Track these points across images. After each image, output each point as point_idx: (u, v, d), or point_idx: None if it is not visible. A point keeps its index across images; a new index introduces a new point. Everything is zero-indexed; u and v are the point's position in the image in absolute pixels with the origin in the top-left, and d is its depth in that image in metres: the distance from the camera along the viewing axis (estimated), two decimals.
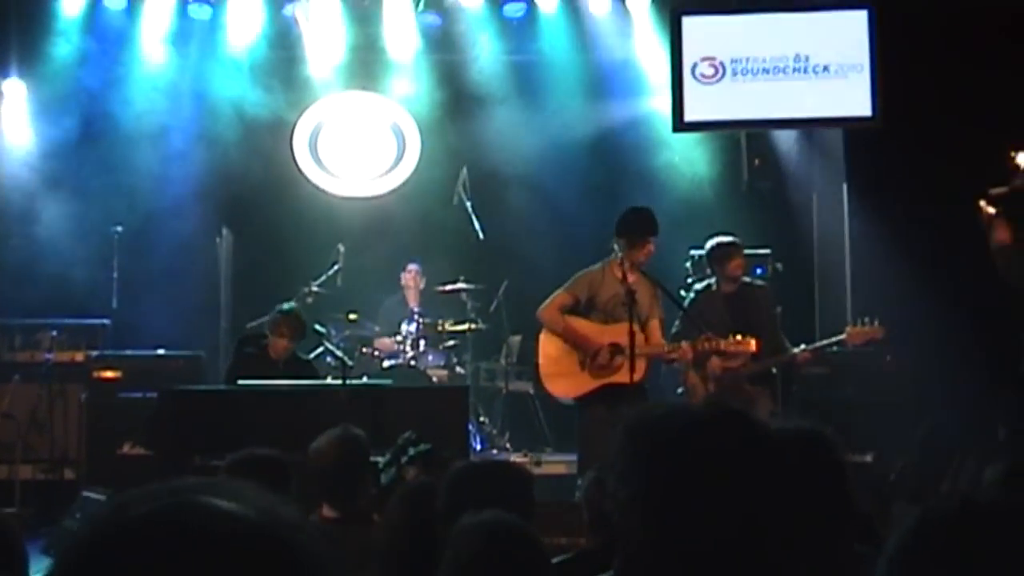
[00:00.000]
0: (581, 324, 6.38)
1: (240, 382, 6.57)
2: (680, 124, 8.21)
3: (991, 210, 6.10)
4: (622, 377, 6.29)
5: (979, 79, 7.62)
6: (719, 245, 7.05)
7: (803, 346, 6.97)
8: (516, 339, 9.21)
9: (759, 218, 8.97)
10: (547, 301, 6.49)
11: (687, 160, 9.58)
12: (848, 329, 6.93)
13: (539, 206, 9.43)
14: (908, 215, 8.01)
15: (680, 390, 6.95)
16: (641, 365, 6.26)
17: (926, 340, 7.64)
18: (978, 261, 7.04)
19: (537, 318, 6.53)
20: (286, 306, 7.09)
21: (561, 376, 6.49)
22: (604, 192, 9.25)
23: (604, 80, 9.69)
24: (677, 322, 6.93)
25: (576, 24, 9.58)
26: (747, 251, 8.17)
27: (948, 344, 7.51)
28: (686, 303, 6.97)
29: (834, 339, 7.01)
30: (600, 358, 6.39)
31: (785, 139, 9.03)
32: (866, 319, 6.98)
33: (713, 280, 7.09)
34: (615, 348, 6.35)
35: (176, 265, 8.90)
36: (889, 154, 8.21)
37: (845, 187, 8.74)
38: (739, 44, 8.15)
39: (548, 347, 6.50)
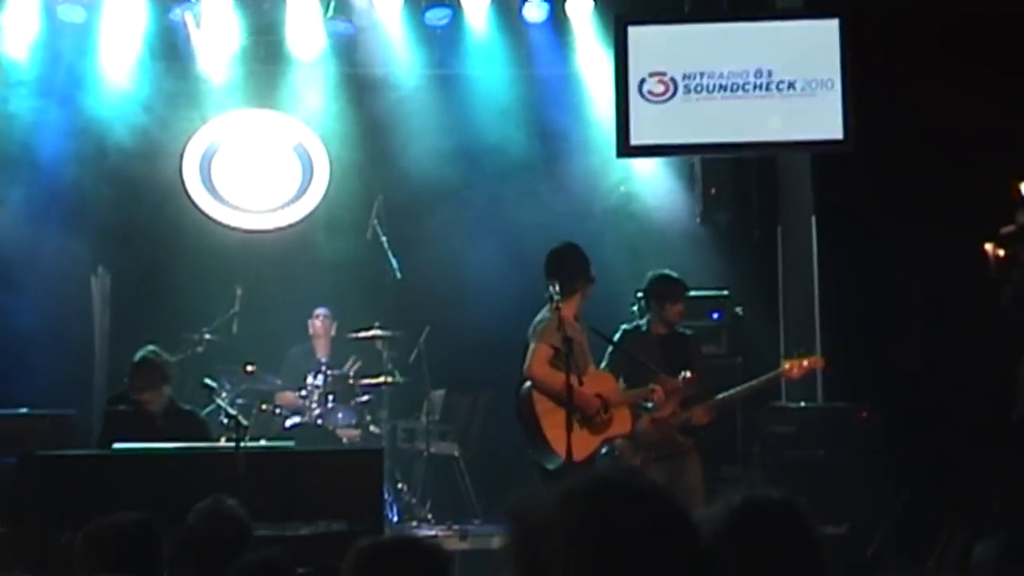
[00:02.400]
0: (571, 379, 6.43)
1: (116, 445, 6.42)
2: (625, 148, 8.27)
3: (1001, 252, 6.17)
4: (620, 428, 6.60)
5: (961, 97, 7.78)
6: (665, 279, 7.11)
7: (735, 390, 7.02)
8: (439, 394, 9.21)
9: (716, 255, 9.11)
10: (532, 358, 6.50)
11: (633, 189, 9.66)
12: (784, 364, 7.03)
13: (466, 241, 9.48)
14: (884, 249, 8.16)
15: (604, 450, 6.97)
16: (630, 413, 6.62)
17: (907, 389, 7.75)
18: (964, 299, 7.34)
19: (529, 378, 6.54)
20: (139, 353, 6.94)
21: (571, 440, 6.41)
22: (540, 225, 9.20)
23: (540, 98, 9.79)
24: (603, 365, 6.97)
25: (508, 34, 9.65)
26: (702, 293, 8.36)
27: (932, 392, 7.62)
28: (616, 340, 7.09)
29: (768, 375, 7.08)
30: (598, 415, 6.53)
31: (744, 165, 9.13)
32: (802, 349, 7.16)
33: (644, 321, 7.15)
34: (604, 400, 6.56)
35: (43, 310, 8.77)
36: (862, 181, 8.34)
37: (813, 219, 8.83)
38: (692, 58, 8.23)
39: (542, 407, 6.52)
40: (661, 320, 7.07)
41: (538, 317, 6.67)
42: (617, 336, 7.15)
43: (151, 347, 7.00)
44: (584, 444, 6.46)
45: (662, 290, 7.12)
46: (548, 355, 6.47)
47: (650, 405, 6.85)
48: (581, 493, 1.88)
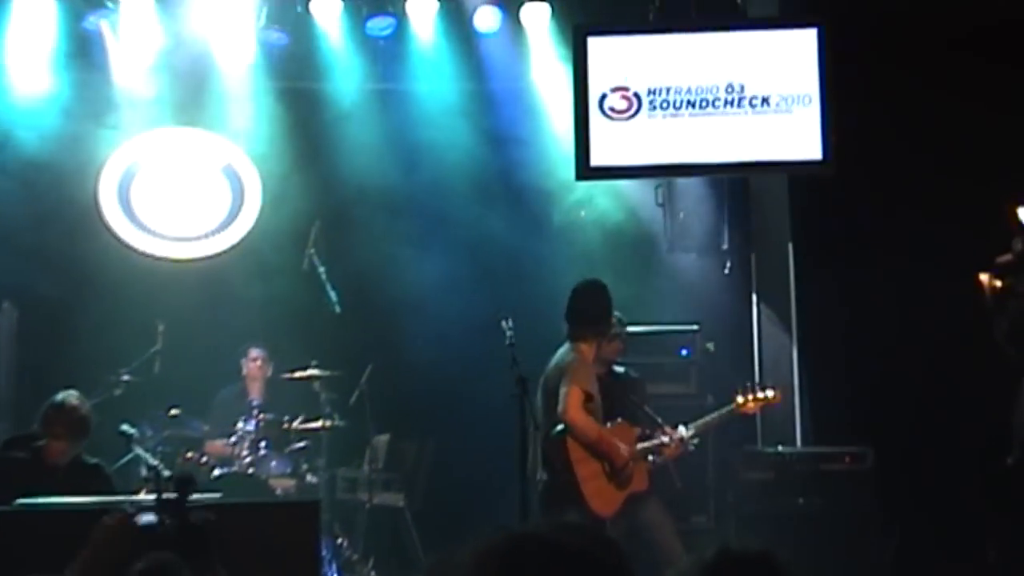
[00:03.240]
0: (605, 429, 6.62)
1: (20, 501, 6.24)
2: (585, 170, 8.27)
3: (997, 283, 6.21)
4: (639, 484, 6.74)
5: (950, 114, 7.90)
6: (627, 324, 7.25)
7: (689, 425, 7.04)
8: (383, 439, 9.12)
9: (684, 286, 9.12)
10: (567, 401, 6.54)
11: (594, 215, 9.65)
12: (737, 399, 7.11)
13: (412, 272, 9.46)
14: (868, 278, 8.24)
15: None
16: (645, 468, 6.80)
17: (895, 432, 7.79)
18: (956, 333, 7.44)
19: (566, 422, 6.57)
20: (60, 396, 6.71)
21: (600, 494, 6.64)
22: (494, 253, 9.36)
23: (494, 115, 9.80)
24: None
25: (458, 45, 9.65)
26: (670, 327, 8.44)
27: (922, 436, 7.68)
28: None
29: (720, 412, 7.16)
30: (627, 468, 6.66)
31: (715, 188, 9.10)
32: (758, 383, 7.28)
33: None
34: (633, 454, 6.74)
35: None
36: (843, 205, 8.42)
37: (790, 246, 8.88)
38: (658, 71, 8.25)
39: (576, 455, 6.57)
40: (598, 359, 7.06)
41: (561, 357, 6.71)
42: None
43: (74, 392, 6.80)
44: (612, 499, 6.62)
45: (622, 327, 7.22)
46: (582, 399, 6.55)
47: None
48: (494, 554, 1.98)
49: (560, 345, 6.87)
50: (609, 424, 6.77)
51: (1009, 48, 8.08)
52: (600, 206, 9.67)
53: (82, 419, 6.66)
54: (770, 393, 7.18)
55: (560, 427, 6.59)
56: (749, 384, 7.28)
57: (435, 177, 9.63)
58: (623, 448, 6.67)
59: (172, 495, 4.10)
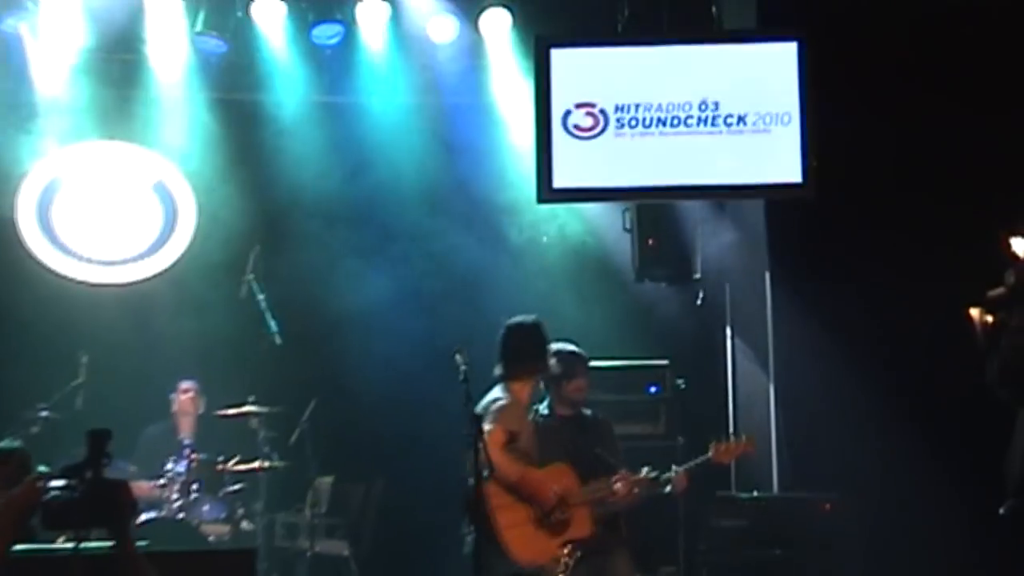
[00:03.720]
0: (531, 471, 6.57)
1: None
2: (547, 192, 8.26)
3: (988, 319, 6.23)
4: (580, 531, 6.63)
5: (939, 135, 8.00)
6: (560, 355, 7.11)
7: (675, 468, 6.98)
8: (326, 481, 9.05)
9: (654, 318, 9.14)
10: (486, 440, 6.33)
11: (557, 238, 9.67)
12: (712, 446, 7.04)
13: (360, 298, 9.43)
14: (851, 311, 8.25)
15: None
16: (590, 514, 6.69)
17: (878, 477, 7.81)
18: (944, 371, 7.51)
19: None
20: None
21: (526, 541, 6.54)
22: (449, 280, 9.36)
23: (449, 131, 9.79)
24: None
25: (411, 55, 9.63)
26: (637, 363, 8.46)
27: (908, 481, 7.68)
28: None
29: (700, 458, 7.09)
30: (556, 513, 6.61)
31: (687, 213, 9.10)
32: (732, 434, 7.32)
33: (546, 404, 7.15)
34: (563, 497, 6.64)
35: None
36: (824, 231, 8.45)
37: (767, 275, 8.91)
38: (626, 86, 8.26)
39: (497, 500, 6.49)
40: (562, 400, 7.08)
41: (490, 396, 6.69)
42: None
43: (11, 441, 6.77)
44: (543, 547, 6.51)
45: (568, 364, 7.14)
46: (504, 440, 6.49)
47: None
48: None
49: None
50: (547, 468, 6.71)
51: (1003, 63, 8.17)
52: (563, 229, 9.71)
53: (26, 458, 6.46)
54: (743, 439, 7.13)
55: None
56: (723, 436, 7.19)
57: (386, 197, 9.61)
58: (553, 490, 6.58)
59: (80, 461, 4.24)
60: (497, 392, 6.68)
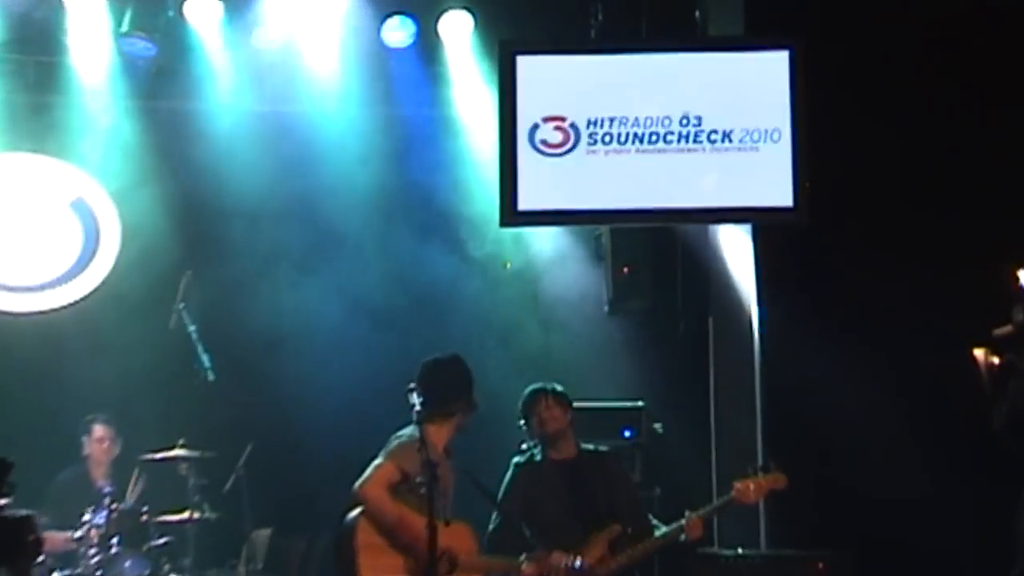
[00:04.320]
0: (416, 518, 6.46)
1: None
2: (511, 215, 8.22)
3: (995, 360, 6.23)
4: None
5: (942, 155, 8.08)
6: (527, 393, 7.32)
7: (688, 513, 6.94)
8: (263, 534, 9.00)
9: (629, 354, 9.17)
10: (371, 473, 6.62)
11: (522, 268, 9.67)
12: (736, 484, 6.98)
13: (304, 329, 9.44)
14: (846, 348, 8.17)
15: None
16: None
17: (876, 533, 7.76)
18: (946, 417, 7.72)
19: (358, 497, 6.63)
20: None
21: None
22: (401, 312, 9.36)
23: (404, 145, 9.79)
24: (495, 516, 7.01)
25: (363, 62, 9.61)
26: (611, 404, 8.56)
27: (907, 538, 7.70)
28: (504, 487, 7.19)
29: (721, 500, 7.06)
30: (440, 571, 6.46)
31: (666, 238, 9.08)
32: (759, 467, 7.14)
33: (538, 448, 7.26)
34: (451, 558, 6.56)
35: None
36: (817, 260, 8.48)
37: (754, 308, 8.86)
38: (600, 98, 8.24)
39: (364, 538, 6.56)
40: (544, 442, 7.17)
41: (400, 432, 6.71)
42: (508, 475, 7.21)
43: None
44: None
45: (524, 404, 7.28)
46: (392, 479, 6.55)
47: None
48: None
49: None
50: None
51: (1012, 73, 8.26)
52: (530, 250, 9.72)
53: None
54: (772, 473, 7.01)
55: (355, 513, 6.62)
56: (749, 470, 7.08)
57: (333, 218, 9.60)
58: (442, 547, 6.34)
59: None
60: (407, 429, 6.67)
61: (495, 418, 7.67)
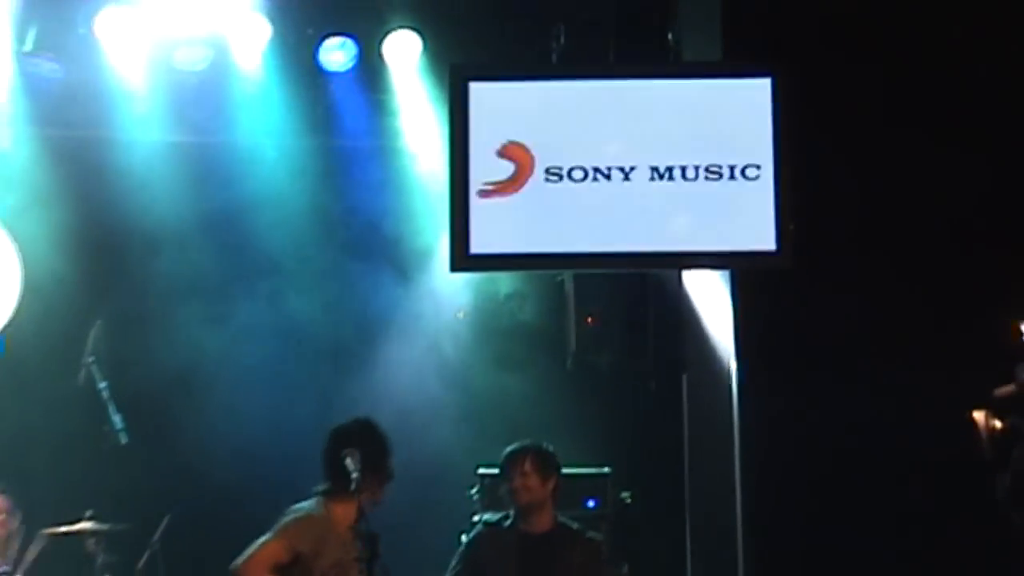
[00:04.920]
0: None
1: None
2: (462, 259, 8.16)
3: (996, 424, 6.23)
4: None
5: (943, 189, 8.24)
6: (505, 453, 7.39)
7: None
8: None
9: (593, 414, 9.22)
10: (251, 552, 6.59)
11: (477, 317, 9.74)
12: None
13: (227, 383, 9.47)
14: (835, 406, 8.32)
15: None
16: None
17: None
18: (947, 484, 7.82)
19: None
20: None
21: None
22: (340, 362, 9.45)
23: (344, 180, 9.87)
24: None
25: (297, 87, 9.65)
26: (573, 471, 8.26)
27: None
28: (461, 549, 7.31)
29: None
30: None
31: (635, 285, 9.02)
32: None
33: (512, 511, 7.33)
34: None
35: None
36: (803, 310, 8.55)
37: (733, 363, 8.86)
38: (562, 129, 8.23)
39: None
40: (517, 510, 7.26)
41: (298, 504, 6.70)
42: (472, 531, 7.40)
43: None
44: None
45: (503, 466, 7.35)
46: (279, 559, 6.50)
47: None
48: None
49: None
50: None
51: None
52: (486, 293, 9.82)
53: None
54: None
55: None
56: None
57: (261, 259, 9.64)
58: None
59: None
60: (304, 503, 6.65)
61: (438, 482, 7.67)
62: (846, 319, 8.44)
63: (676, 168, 8.14)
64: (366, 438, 6.70)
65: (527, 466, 7.21)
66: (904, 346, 8.23)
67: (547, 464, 7.26)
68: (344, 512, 6.47)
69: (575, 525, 7.39)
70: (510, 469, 7.24)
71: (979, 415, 6.57)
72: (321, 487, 6.68)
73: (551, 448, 7.37)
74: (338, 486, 6.49)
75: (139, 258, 9.61)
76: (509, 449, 7.33)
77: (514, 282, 9.79)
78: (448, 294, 9.79)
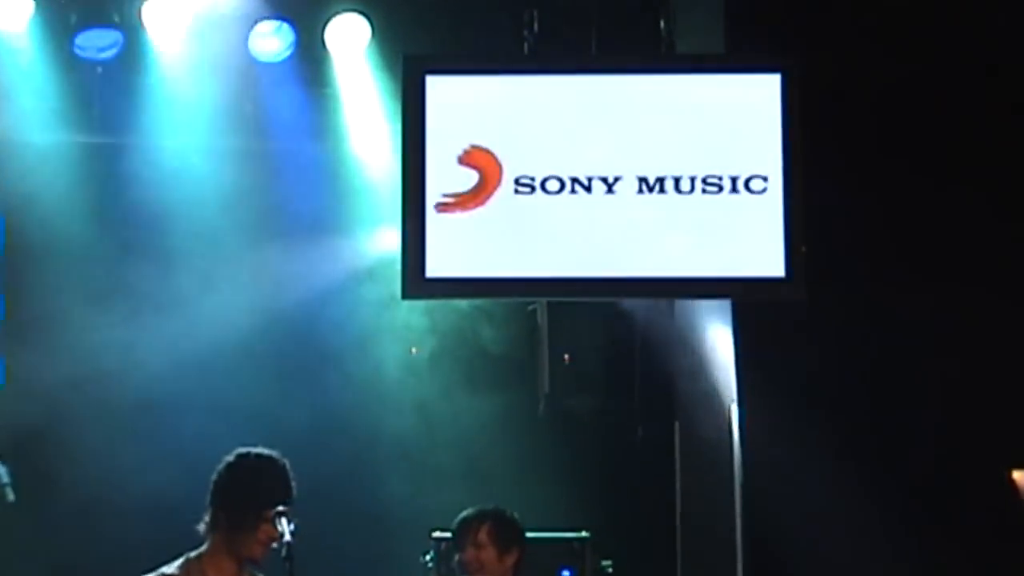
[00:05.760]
0: None
1: None
2: (415, 284, 8.04)
3: None
4: None
5: (963, 205, 8.15)
6: (457, 520, 7.46)
7: None
8: None
9: (569, 468, 9.37)
10: None
11: (435, 355, 9.82)
12: None
13: (132, 415, 9.53)
14: (848, 459, 8.18)
15: None
16: None
17: None
18: (977, 542, 7.79)
19: None
20: None
21: None
22: (266, 408, 9.41)
23: (279, 190, 9.95)
24: None
25: (224, 79, 9.61)
26: (546, 535, 8.49)
27: None
28: None
29: None
30: None
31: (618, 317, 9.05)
32: None
33: None
34: None
35: None
36: (815, 347, 8.36)
37: (734, 408, 8.81)
38: (534, 132, 8.11)
39: None
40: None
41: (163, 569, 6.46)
42: None
43: None
44: None
45: (455, 532, 7.44)
46: None
47: None
48: None
49: None
50: None
51: None
52: (444, 322, 9.90)
53: None
54: None
55: None
56: None
57: (175, 286, 9.65)
58: None
59: None
60: (167, 567, 6.39)
61: (385, 540, 8.01)
62: (867, 356, 8.37)
63: (668, 179, 8.00)
64: (225, 480, 6.42)
65: (482, 536, 7.27)
66: (935, 387, 8.22)
67: (507, 535, 7.29)
68: (217, 568, 6.30)
69: None
70: (462, 537, 7.31)
71: (1020, 476, 6.57)
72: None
73: (514, 515, 7.43)
74: (210, 521, 6.29)
75: (29, 278, 9.74)
76: (463, 514, 7.37)
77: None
78: (402, 318, 9.87)
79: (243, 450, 6.52)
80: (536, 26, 9.05)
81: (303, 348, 9.87)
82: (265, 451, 6.48)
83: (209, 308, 9.68)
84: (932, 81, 8.41)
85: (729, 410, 8.87)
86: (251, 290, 9.79)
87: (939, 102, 8.42)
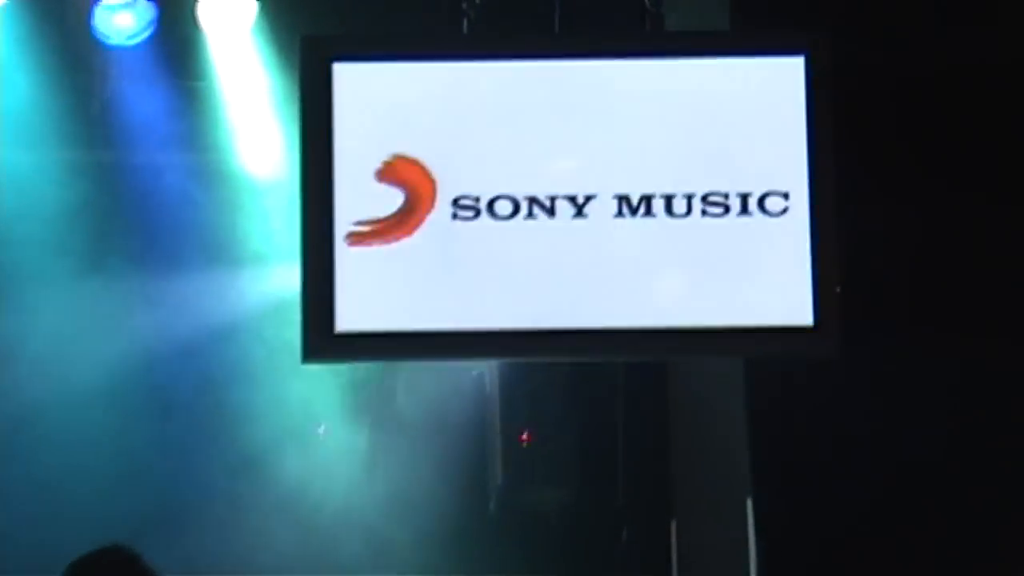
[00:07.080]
0: None
1: None
2: (320, 340, 7.78)
3: None
4: None
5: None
6: None
7: None
8: None
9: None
10: None
11: (350, 435, 9.91)
12: None
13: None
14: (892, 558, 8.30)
15: None
16: None
17: None
18: None
19: None
20: None
21: None
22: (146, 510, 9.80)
23: (133, 205, 10.23)
24: None
25: (62, 67, 9.87)
26: None
27: None
28: None
29: None
30: None
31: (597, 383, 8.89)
32: None
33: None
34: None
35: None
36: (852, 411, 8.45)
37: (749, 502, 8.79)
38: (476, 135, 7.87)
39: None
40: None
41: None
42: None
43: None
44: None
45: None
46: None
47: None
48: None
49: None
50: None
51: None
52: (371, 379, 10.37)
53: None
54: None
55: None
56: None
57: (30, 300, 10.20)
58: None
59: None
60: None
61: None
62: (919, 426, 8.35)
63: (657, 198, 7.71)
64: None
65: None
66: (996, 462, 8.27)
67: None
68: None
69: None
70: None
71: None
72: None
73: None
74: None
75: None
76: None
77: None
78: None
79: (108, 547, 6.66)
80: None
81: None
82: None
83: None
84: (996, 70, 8.50)
85: (743, 500, 8.72)
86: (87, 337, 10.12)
87: (1004, 94, 8.50)
